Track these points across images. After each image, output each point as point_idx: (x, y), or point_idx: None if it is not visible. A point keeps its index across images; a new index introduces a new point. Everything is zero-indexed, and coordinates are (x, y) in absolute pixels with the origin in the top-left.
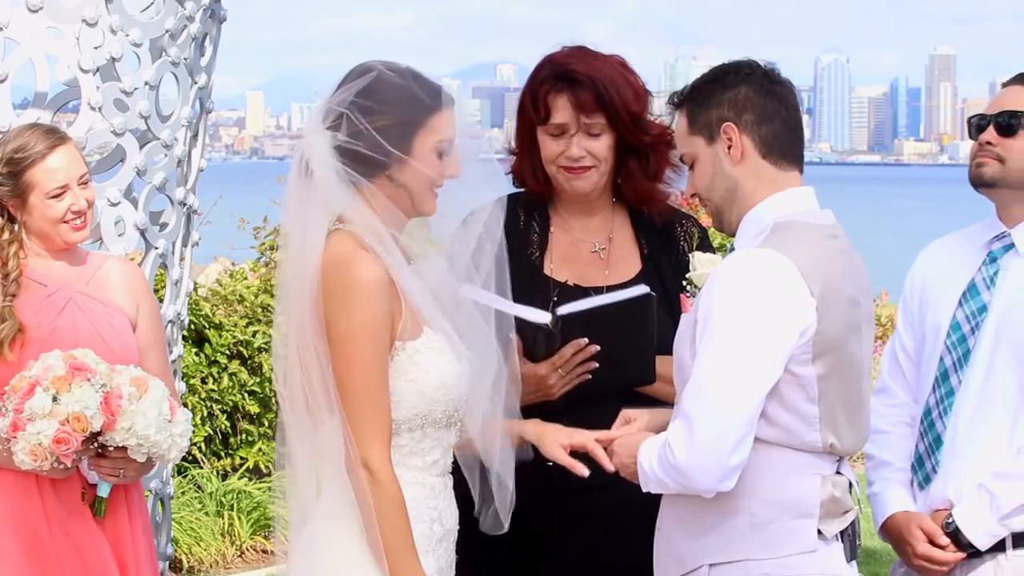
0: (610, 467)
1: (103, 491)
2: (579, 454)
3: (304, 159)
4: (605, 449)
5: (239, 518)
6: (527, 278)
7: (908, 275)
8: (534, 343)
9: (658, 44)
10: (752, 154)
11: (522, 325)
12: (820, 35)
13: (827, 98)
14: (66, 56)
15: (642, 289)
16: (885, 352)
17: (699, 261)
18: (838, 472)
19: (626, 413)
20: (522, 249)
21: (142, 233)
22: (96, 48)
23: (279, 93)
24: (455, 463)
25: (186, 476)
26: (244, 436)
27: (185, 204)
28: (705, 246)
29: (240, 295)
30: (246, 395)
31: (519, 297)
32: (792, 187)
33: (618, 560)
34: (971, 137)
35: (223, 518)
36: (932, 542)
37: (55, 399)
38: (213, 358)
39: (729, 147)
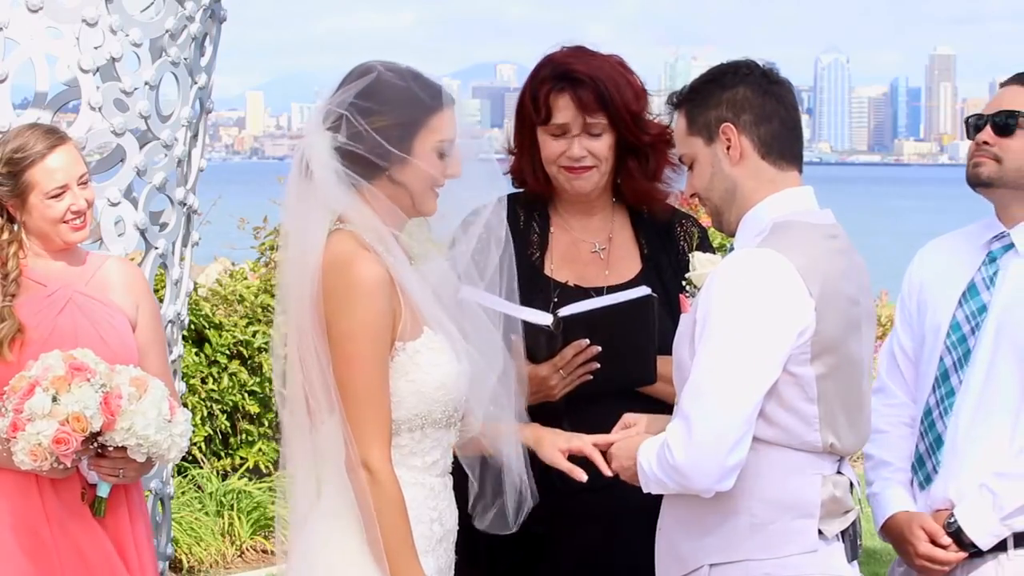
0: (608, 472)
1: (103, 491)
2: (578, 458)
3: (304, 160)
4: (603, 453)
5: (239, 518)
6: (527, 279)
7: (906, 275)
8: (535, 344)
9: (658, 44)
10: (751, 154)
11: (523, 326)
12: (820, 35)
13: (827, 98)
14: (66, 56)
15: (643, 290)
16: (882, 352)
17: (699, 261)
18: (839, 472)
19: (627, 418)
20: (522, 249)
21: (142, 233)
22: (96, 48)
23: (279, 93)
24: (455, 463)
25: (186, 476)
26: (244, 436)
27: (185, 204)
28: (705, 246)
29: (240, 295)
30: (246, 395)
31: (520, 297)
32: (791, 187)
33: (617, 561)
34: (969, 137)
35: (223, 518)
36: (934, 542)
37: (55, 399)
38: (213, 358)
39: (728, 147)
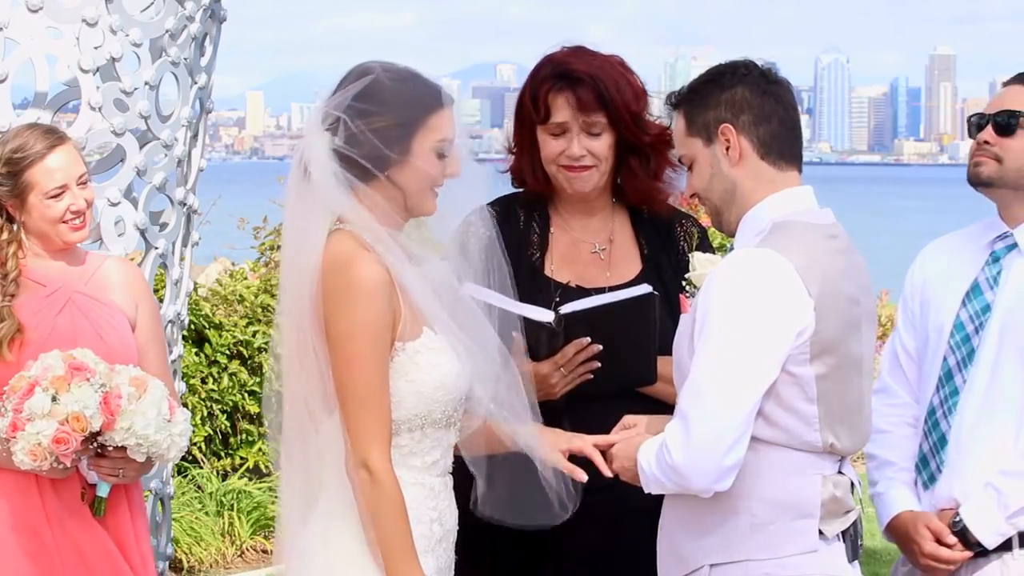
0: (608, 473)
1: (102, 491)
2: (578, 458)
3: (303, 161)
4: (604, 454)
5: (239, 518)
6: (528, 279)
7: (908, 275)
8: (537, 342)
9: (658, 44)
10: (750, 155)
11: (525, 324)
12: (820, 35)
13: (827, 98)
14: (66, 56)
15: (645, 288)
16: (885, 352)
17: (698, 261)
18: (840, 472)
19: (627, 419)
20: (522, 250)
21: (142, 233)
22: (96, 48)
23: (279, 93)
24: (456, 463)
25: (186, 476)
26: (244, 436)
27: (185, 204)
28: (705, 246)
29: (240, 295)
30: (246, 395)
31: (520, 298)
32: (791, 187)
33: (618, 561)
34: (970, 136)
35: (223, 518)
36: (939, 541)
37: (54, 399)
38: (213, 358)
39: (727, 148)
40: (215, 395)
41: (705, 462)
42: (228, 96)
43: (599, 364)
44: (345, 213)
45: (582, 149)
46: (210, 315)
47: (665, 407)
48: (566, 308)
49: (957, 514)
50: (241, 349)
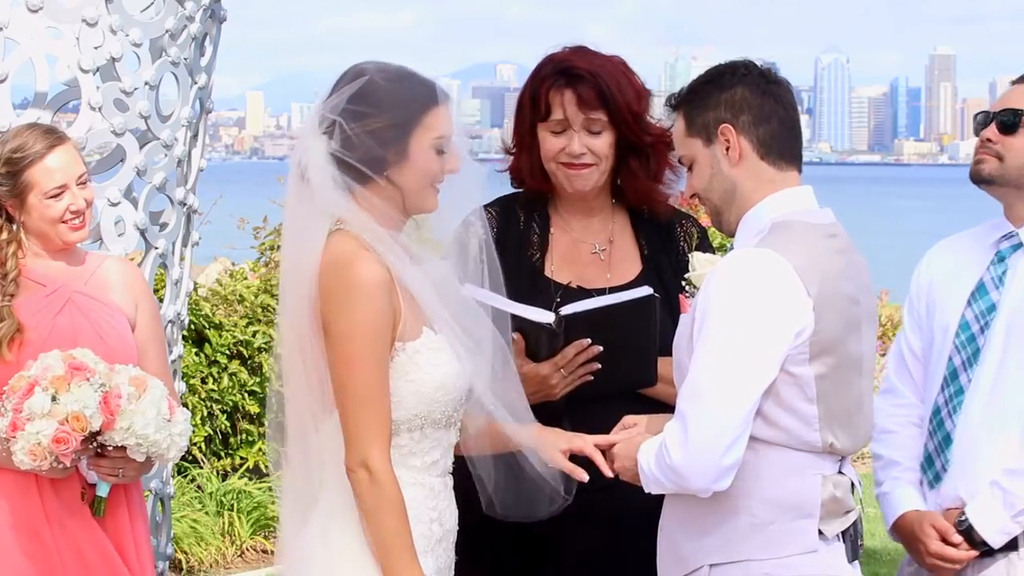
0: (609, 473)
1: (102, 491)
2: (579, 458)
3: (301, 164)
4: (605, 454)
5: (239, 518)
6: (528, 280)
7: (914, 275)
8: (537, 342)
9: (658, 44)
10: (750, 155)
11: (525, 324)
12: (820, 35)
13: (827, 98)
14: (66, 56)
15: (646, 290)
16: (891, 352)
17: (698, 261)
18: (840, 472)
19: (626, 420)
20: (522, 250)
21: (142, 233)
22: (96, 48)
23: (279, 93)
24: (456, 463)
25: (186, 476)
26: (244, 436)
27: (185, 204)
28: (704, 246)
29: (240, 295)
30: (246, 395)
31: (521, 299)
32: (790, 187)
33: (619, 561)
34: (975, 134)
35: (223, 518)
36: (945, 540)
37: (54, 399)
38: (213, 358)
39: (727, 148)
40: (215, 395)
41: (704, 462)
42: (228, 96)
43: (599, 365)
44: (344, 216)
45: (582, 147)
46: (210, 315)
47: (666, 408)
48: (566, 309)
49: (963, 513)
50: (241, 349)
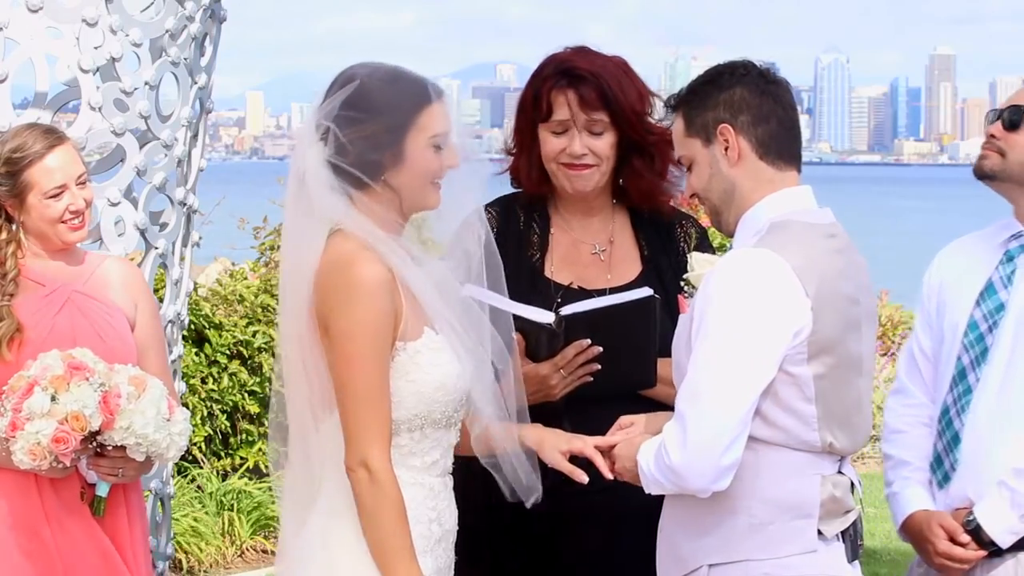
0: (609, 475)
1: (102, 490)
2: (579, 459)
3: (299, 170)
4: (605, 455)
5: (239, 518)
6: (528, 280)
7: (925, 276)
8: (536, 343)
9: (658, 44)
10: (749, 155)
11: (525, 325)
12: (820, 35)
13: (827, 98)
14: (66, 56)
15: (646, 291)
16: (903, 353)
17: (696, 261)
18: (840, 472)
19: (622, 420)
20: (522, 251)
21: (142, 233)
22: (96, 48)
23: (279, 93)
24: (456, 463)
25: (186, 476)
26: (244, 436)
27: (185, 204)
28: (704, 246)
29: (240, 295)
30: (246, 395)
31: (521, 299)
32: (789, 187)
33: (619, 561)
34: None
35: (223, 518)
36: (953, 540)
37: (54, 398)
38: (213, 358)
39: (726, 148)
40: (215, 395)
41: (702, 462)
42: (228, 96)
43: (599, 366)
44: (343, 221)
45: (583, 147)
46: (210, 315)
47: (665, 409)
48: (566, 310)
49: (970, 513)
50: (241, 349)
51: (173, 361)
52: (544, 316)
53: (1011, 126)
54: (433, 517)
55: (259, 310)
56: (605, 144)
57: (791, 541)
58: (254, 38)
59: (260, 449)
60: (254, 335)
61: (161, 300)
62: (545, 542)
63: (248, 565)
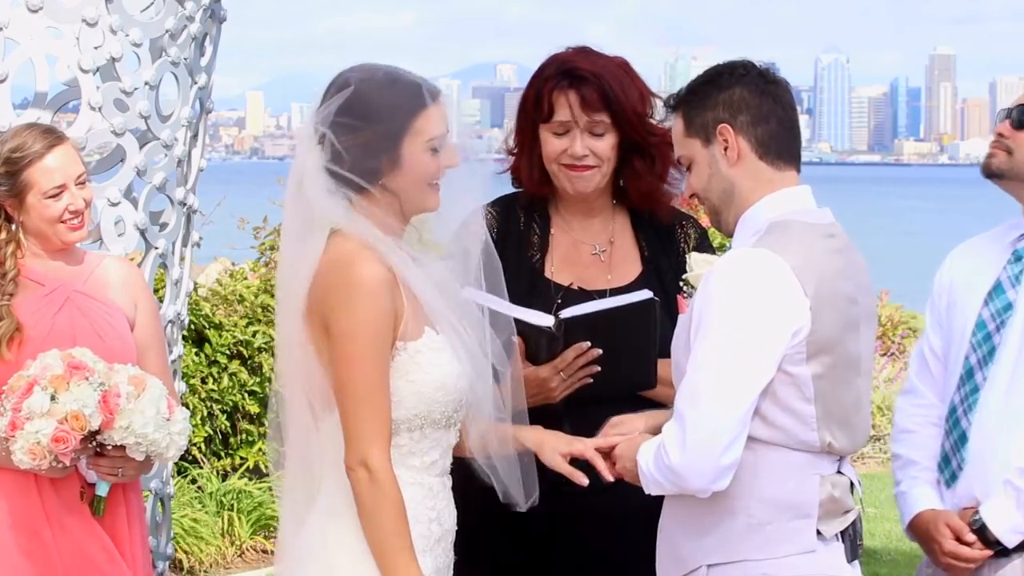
0: (609, 477)
1: (102, 490)
2: (579, 461)
3: (298, 175)
4: (605, 457)
5: (239, 518)
6: (528, 281)
7: (936, 276)
8: (536, 346)
9: (658, 44)
10: (748, 155)
11: (524, 328)
12: (820, 35)
13: (827, 98)
14: (66, 56)
15: (645, 293)
16: (913, 353)
17: (695, 262)
18: (839, 472)
19: (613, 420)
20: (522, 251)
21: (142, 233)
22: (96, 48)
23: (279, 93)
24: (455, 463)
25: (186, 476)
26: (244, 436)
27: (185, 204)
28: (703, 247)
29: (240, 295)
30: (246, 395)
31: (520, 300)
32: (789, 187)
33: (619, 562)
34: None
35: (223, 518)
36: (959, 539)
37: (53, 398)
38: (213, 358)
39: (725, 148)
40: (215, 395)
41: (702, 462)
42: (228, 96)
43: (599, 368)
44: (341, 224)
45: (585, 148)
46: (210, 315)
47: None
48: (566, 312)
49: (976, 512)
50: (241, 349)
51: (173, 361)
52: (544, 319)
53: (1019, 125)
54: (432, 517)
55: (259, 310)
56: (606, 145)
57: (790, 541)
58: (254, 38)
59: (260, 449)
60: (254, 335)
61: (161, 300)
62: (544, 542)
63: (248, 565)
